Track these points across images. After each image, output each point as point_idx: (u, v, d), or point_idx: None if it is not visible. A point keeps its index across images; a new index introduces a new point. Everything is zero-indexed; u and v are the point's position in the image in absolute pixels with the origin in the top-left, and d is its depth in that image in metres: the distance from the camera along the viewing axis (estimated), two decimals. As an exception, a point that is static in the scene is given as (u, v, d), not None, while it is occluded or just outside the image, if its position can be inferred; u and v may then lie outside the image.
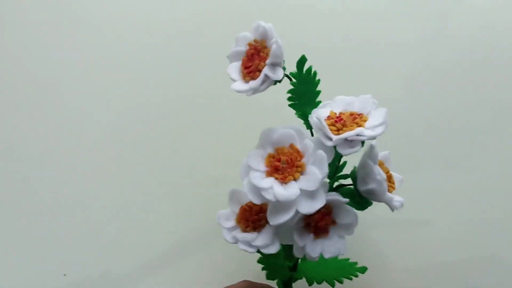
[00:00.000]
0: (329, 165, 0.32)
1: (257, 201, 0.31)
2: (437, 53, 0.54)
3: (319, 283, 0.37)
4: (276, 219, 0.31)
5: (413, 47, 0.55)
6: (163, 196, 0.52)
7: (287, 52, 0.33)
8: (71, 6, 0.57)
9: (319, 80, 0.36)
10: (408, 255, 0.49)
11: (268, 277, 0.38)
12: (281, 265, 0.38)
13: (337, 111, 0.33)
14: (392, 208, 0.32)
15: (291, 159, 0.31)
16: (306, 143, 0.32)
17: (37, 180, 0.53)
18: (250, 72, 0.33)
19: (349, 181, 0.34)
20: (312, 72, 0.36)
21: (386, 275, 0.46)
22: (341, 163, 0.35)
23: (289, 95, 0.36)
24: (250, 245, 0.33)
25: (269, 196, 0.30)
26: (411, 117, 0.53)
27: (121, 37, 0.56)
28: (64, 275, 0.51)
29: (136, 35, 0.56)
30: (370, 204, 0.34)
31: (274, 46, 0.32)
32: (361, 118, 0.32)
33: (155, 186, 0.52)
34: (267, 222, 0.32)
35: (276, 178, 0.31)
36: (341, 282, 0.36)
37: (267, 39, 0.33)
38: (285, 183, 0.31)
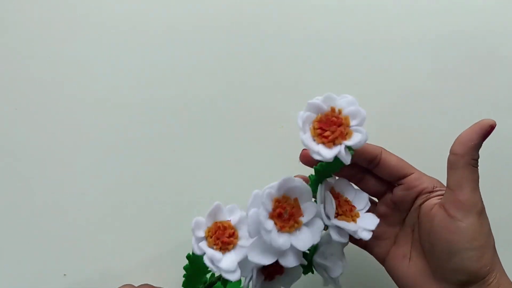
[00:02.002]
0: None
1: (251, 235, 0.32)
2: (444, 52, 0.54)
3: None
4: (257, 258, 0.32)
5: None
6: (163, 196, 0.52)
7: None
8: (71, 6, 0.57)
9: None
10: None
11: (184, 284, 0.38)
12: (199, 279, 0.39)
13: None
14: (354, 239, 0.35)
15: (293, 212, 0.32)
16: (308, 206, 0.33)
17: (37, 180, 0.53)
18: (330, 140, 0.31)
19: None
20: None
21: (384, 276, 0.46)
22: None
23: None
24: (214, 264, 0.33)
25: (266, 237, 0.31)
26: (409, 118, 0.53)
27: (122, 37, 0.56)
28: (64, 275, 0.51)
29: (136, 35, 0.56)
30: (312, 271, 0.37)
31: (353, 109, 0.32)
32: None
33: (155, 186, 0.52)
34: (233, 248, 0.33)
35: (275, 224, 0.32)
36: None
37: (351, 117, 0.32)
38: (281, 232, 0.32)
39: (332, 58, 0.55)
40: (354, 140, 0.31)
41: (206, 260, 0.32)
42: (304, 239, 0.32)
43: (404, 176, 0.37)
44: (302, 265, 0.35)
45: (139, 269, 0.51)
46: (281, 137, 0.52)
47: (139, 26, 0.56)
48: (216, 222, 0.34)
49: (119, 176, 0.53)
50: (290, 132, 0.51)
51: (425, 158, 0.52)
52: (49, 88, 0.55)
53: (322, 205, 0.33)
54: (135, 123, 0.54)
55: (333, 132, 0.31)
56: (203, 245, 0.33)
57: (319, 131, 0.32)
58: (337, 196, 0.35)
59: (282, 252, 0.32)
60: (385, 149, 0.38)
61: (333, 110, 0.32)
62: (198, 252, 0.33)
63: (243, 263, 0.33)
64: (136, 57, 0.55)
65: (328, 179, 0.36)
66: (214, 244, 0.33)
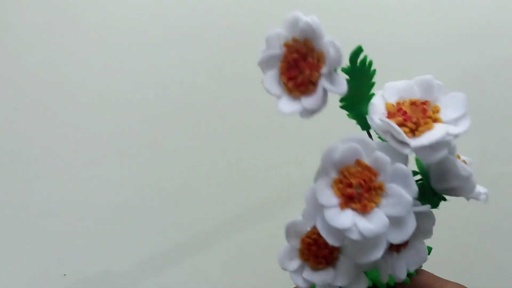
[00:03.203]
0: None
1: (337, 244, 0.25)
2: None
3: (392, 284, 0.31)
4: (367, 257, 0.25)
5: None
6: (163, 196, 0.52)
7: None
8: (71, 6, 0.57)
9: (374, 70, 0.28)
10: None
11: None
12: None
13: (392, 100, 0.26)
14: (478, 200, 0.27)
15: (364, 180, 0.25)
16: (377, 156, 0.25)
17: (37, 180, 0.53)
18: (299, 85, 0.25)
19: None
20: (368, 63, 0.27)
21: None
22: None
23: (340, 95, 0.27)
24: (331, 286, 0.28)
25: (354, 236, 0.24)
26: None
27: (122, 37, 0.56)
28: (64, 275, 0.51)
29: (136, 35, 0.56)
30: (444, 200, 0.29)
31: (331, 51, 0.24)
32: (433, 109, 0.26)
33: (155, 186, 0.52)
34: (339, 253, 0.28)
35: (355, 209, 0.25)
36: (413, 275, 0.32)
37: (315, 39, 0.25)
38: (367, 212, 0.25)
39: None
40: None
41: None
42: (397, 200, 0.25)
43: None
44: (423, 202, 0.28)
45: (139, 269, 0.51)
46: (281, 137, 0.52)
47: (140, 26, 0.56)
48: (303, 239, 0.29)
49: (119, 176, 0.53)
50: (290, 132, 0.51)
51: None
52: (49, 88, 0.55)
53: (389, 137, 0.25)
54: (135, 123, 0.54)
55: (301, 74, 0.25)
56: (307, 274, 0.28)
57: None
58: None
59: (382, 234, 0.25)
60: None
61: (295, 41, 0.25)
62: (304, 286, 0.28)
63: None
64: (137, 57, 0.55)
65: None
66: (318, 264, 0.29)
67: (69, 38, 0.56)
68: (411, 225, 0.25)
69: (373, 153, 0.25)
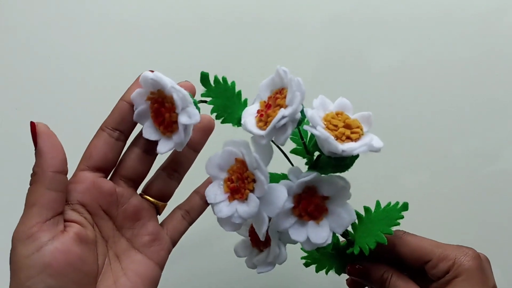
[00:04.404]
0: (297, 144, 0.33)
1: (233, 230, 0.31)
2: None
3: (373, 248, 0.33)
4: (260, 231, 0.30)
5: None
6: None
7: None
8: (71, 6, 0.57)
9: (233, 82, 0.33)
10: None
11: (318, 269, 0.37)
12: (327, 254, 0.36)
13: (265, 97, 0.31)
14: (358, 152, 0.29)
15: (239, 173, 0.30)
16: (242, 151, 0.30)
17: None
18: (166, 127, 0.31)
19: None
20: (222, 79, 0.33)
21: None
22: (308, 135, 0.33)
23: (215, 113, 0.33)
24: (267, 263, 0.33)
25: (237, 220, 0.30)
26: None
27: (123, 37, 0.56)
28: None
29: (137, 35, 0.56)
30: (344, 161, 0.31)
31: (174, 96, 0.29)
32: (282, 94, 0.29)
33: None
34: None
35: (238, 199, 0.30)
36: (391, 233, 0.33)
37: (164, 89, 0.30)
38: (246, 199, 0.30)
39: (332, 58, 0.55)
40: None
41: (259, 269, 0.34)
42: (259, 184, 0.30)
43: (424, 263, 0.34)
44: (331, 169, 0.32)
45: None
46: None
47: (140, 26, 0.56)
48: (249, 230, 0.36)
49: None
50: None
51: (415, 155, 0.52)
52: (49, 88, 0.55)
53: (252, 135, 0.30)
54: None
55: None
56: (254, 258, 0.35)
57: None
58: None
59: (259, 212, 0.30)
60: (403, 235, 0.35)
61: (153, 93, 0.31)
62: (252, 268, 0.35)
63: (283, 236, 0.33)
64: (137, 57, 0.56)
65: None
66: (259, 248, 0.35)
67: (69, 38, 0.56)
68: (279, 197, 0.29)
69: (239, 149, 0.30)
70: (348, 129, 0.30)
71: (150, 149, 0.34)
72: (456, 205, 0.52)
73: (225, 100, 0.32)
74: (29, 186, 0.30)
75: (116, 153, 0.33)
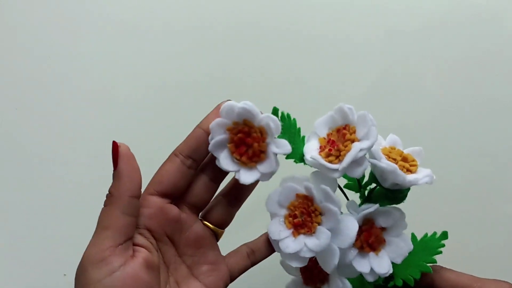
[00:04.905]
0: (349, 180, 0.35)
1: (302, 264, 0.31)
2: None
3: (418, 278, 0.33)
4: (330, 266, 0.31)
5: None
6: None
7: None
8: (71, 6, 0.57)
9: (294, 119, 0.34)
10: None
11: None
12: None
13: (324, 134, 0.32)
14: (423, 183, 0.31)
15: (304, 208, 0.31)
16: (306, 185, 0.31)
17: (38, 180, 0.53)
18: (251, 157, 0.31)
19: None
20: (286, 115, 0.34)
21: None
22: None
23: None
24: None
25: (307, 254, 0.30)
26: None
27: (123, 37, 0.56)
28: (64, 275, 0.51)
29: (137, 35, 0.56)
30: (402, 193, 0.33)
31: (271, 124, 0.30)
32: (350, 131, 0.31)
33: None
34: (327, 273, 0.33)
35: (304, 233, 0.31)
36: (434, 262, 0.34)
37: (253, 118, 0.30)
38: (314, 232, 0.31)
39: (331, 59, 0.55)
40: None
41: None
42: (330, 217, 0.31)
43: None
44: (386, 201, 0.34)
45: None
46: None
47: (140, 25, 0.56)
48: (300, 268, 0.35)
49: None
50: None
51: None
52: (49, 88, 0.55)
53: (322, 168, 0.31)
54: (136, 122, 0.54)
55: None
56: None
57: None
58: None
59: (331, 245, 0.31)
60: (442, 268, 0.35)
61: (236, 124, 0.31)
62: None
63: (343, 269, 0.33)
64: (138, 57, 0.55)
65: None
66: (316, 285, 0.35)
67: (69, 38, 0.56)
68: (351, 228, 0.30)
69: (304, 184, 0.31)
70: (406, 162, 0.32)
71: (216, 177, 0.34)
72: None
73: (290, 136, 0.33)
74: (103, 207, 0.31)
75: (187, 180, 0.33)
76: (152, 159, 0.56)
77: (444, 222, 0.52)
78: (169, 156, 0.34)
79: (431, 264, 0.34)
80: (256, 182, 0.32)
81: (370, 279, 0.32)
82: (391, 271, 0.32)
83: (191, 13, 0.56)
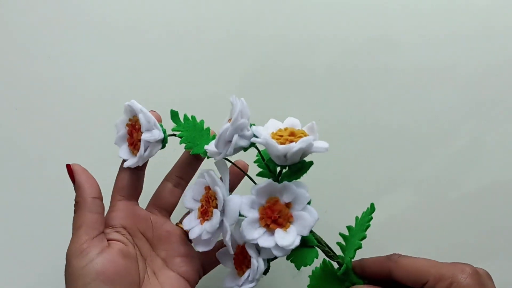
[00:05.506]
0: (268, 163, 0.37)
1: (204, 249, 0.36)
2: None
3: (353, 256, 0.34)
4: (227, 243, 0.35)
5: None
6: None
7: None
8: (71, 6, 0.57)
9: (202, 120, 0.41)
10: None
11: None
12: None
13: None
14: (297, 149, 0.32)
15: (207, 197, 0.36)
16: (201, 175, 0.38)
17: (38, 180, 0.53)
18: (135, 145, 0.38)
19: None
20: (191, 117, 0.40)
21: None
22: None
23: (184, 144, 0.39)
24: (248, 281, 0.35)
25: (206, 236, 0.35)
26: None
27: (123, 36, 0.56)
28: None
29: (137, 35, 0.56)
30: (297, 166, 0.34)
31: (140, 116, 0.36)
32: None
33: (155, 185, 0.52)
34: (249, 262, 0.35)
35: (207, 220, 0.36)
36: (365, 237, 0.34)
37: (136, 113, 0.37)
38: (212, 216, 0.35)
39: (331, 59, 0.55)
40: None
41: None
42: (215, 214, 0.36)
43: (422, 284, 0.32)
44: (287, 178, 0.35)
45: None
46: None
47: (140, 25, 0.56)
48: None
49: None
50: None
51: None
52: (49, 88, 0.55)
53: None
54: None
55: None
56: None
57: None
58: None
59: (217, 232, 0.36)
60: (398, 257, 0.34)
61: (130, 120, 0.40)
62: None
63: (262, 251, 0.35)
64: (138, 57, 0.56)
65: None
66: (240, 271, 0.37)
67: (69, 37, 0.56)
68: (234, 205, 0.34)
69: (204, 174, 0.37)
70: (293, 137, 0.33)
71: (179, 184, 0.41)
72: (453, 214, 0.52)
73: (193, 133, 0.39)
74: (73, 214, 0.37)
75: (140, 182, 0.41)
76: (152, 159, 0.57)
77: (442, 219, 0.52)
78: (120, 166, 0.40)
79: (389, 254, 0.34)
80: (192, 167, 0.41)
81: (278, 254, 0.33)
82: (297, 244, 0.32)
83: (191, 13, 0.56)
